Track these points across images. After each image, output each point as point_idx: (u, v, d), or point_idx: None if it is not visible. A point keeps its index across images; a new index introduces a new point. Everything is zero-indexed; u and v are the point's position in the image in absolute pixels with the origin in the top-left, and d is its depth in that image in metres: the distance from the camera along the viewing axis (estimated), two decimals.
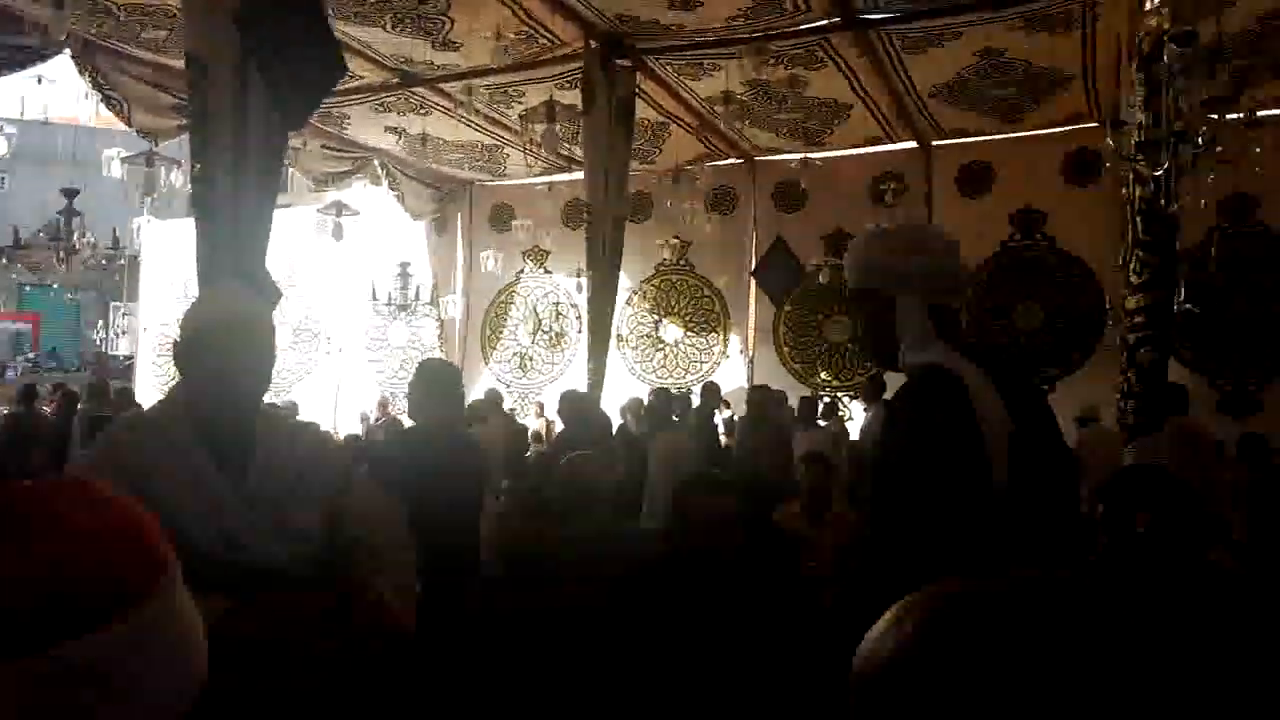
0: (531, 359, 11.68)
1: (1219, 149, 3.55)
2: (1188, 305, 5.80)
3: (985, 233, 9.82)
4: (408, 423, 4.05)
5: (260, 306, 2.11)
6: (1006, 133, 9.47)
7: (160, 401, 2.06)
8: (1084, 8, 6.53)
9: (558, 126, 7.86)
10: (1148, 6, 3.85)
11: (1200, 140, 3.49)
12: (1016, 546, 1.63)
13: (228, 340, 1.84)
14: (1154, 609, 1.70)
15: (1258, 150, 4.01)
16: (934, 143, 9.87)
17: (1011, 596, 0.57)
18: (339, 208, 9.42)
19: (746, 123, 9.06)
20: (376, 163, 9.77)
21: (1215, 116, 3.50)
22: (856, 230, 10.18)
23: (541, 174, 10.71)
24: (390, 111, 8.52)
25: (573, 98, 7.50)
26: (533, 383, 11.56)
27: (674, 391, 8.03)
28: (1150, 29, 3.86)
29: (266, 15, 3.53)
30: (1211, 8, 5.29)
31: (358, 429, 9.48)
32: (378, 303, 11.15)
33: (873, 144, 9.84)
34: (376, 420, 9.92)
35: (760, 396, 6.84)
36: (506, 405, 8.98)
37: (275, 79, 3.56)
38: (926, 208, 10.07)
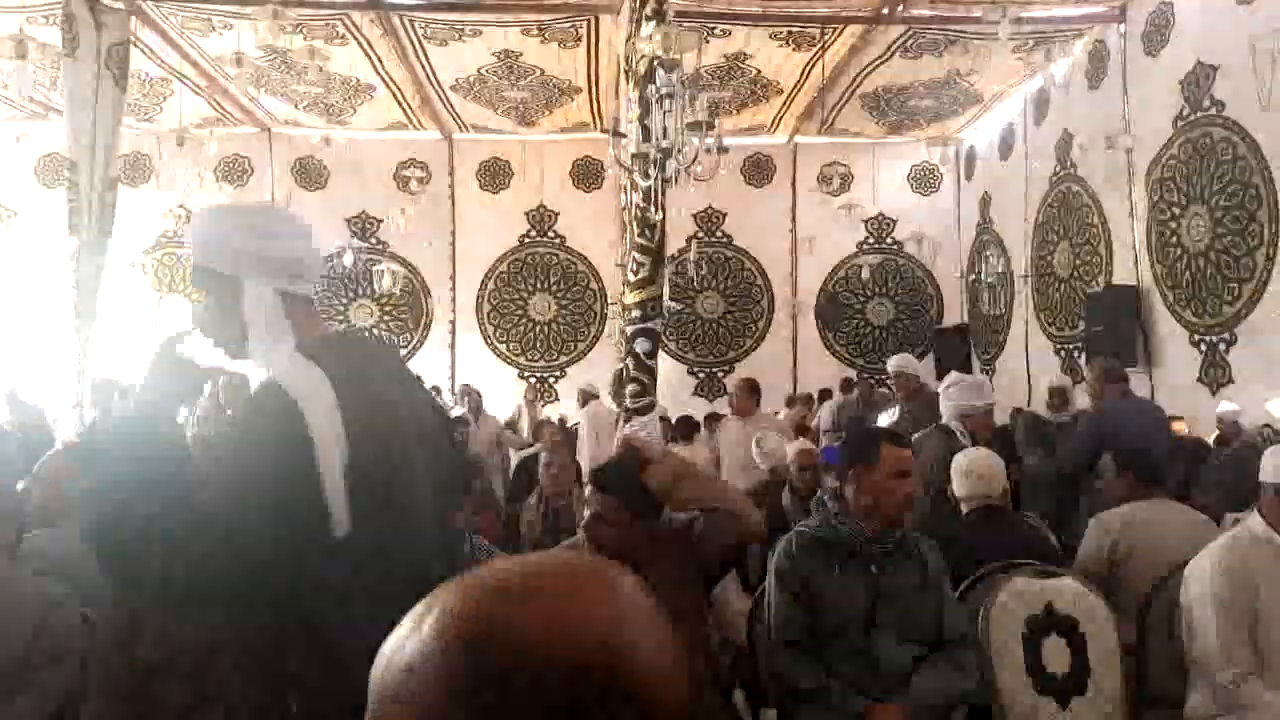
0: None
1: (698, 168, 4.16)
2: (672, 302, 6.70)
3: (504, 227, 10.45)
4: None
5: None
6: (522, 134, 10.09)
7: None
8: (589, 26, 7.19)
9: (31, 66, 6.76)
10: (642, 34, 4.37)
11: (682, 157, 4.07)
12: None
13: None
14: None
15: (723, 172, 4.74)
16: (455, 136, 10.19)
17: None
18: None
19: (263, 90, 8.56)
20: None
21: (695, 140, 4.10)
22: (381, 214, 10.27)
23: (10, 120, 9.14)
24: None
25: (52, 36, 6.51)
26: None
27: None
28: (644, 54, 4.37)
29: None
30: (693, 43, 6.15)
31: None
32: None
33: (397, 129, 9.87)
34: None
35: None
36: None
37: None
38: (450, 198, 10.38)
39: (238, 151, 10.15)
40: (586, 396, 7.34)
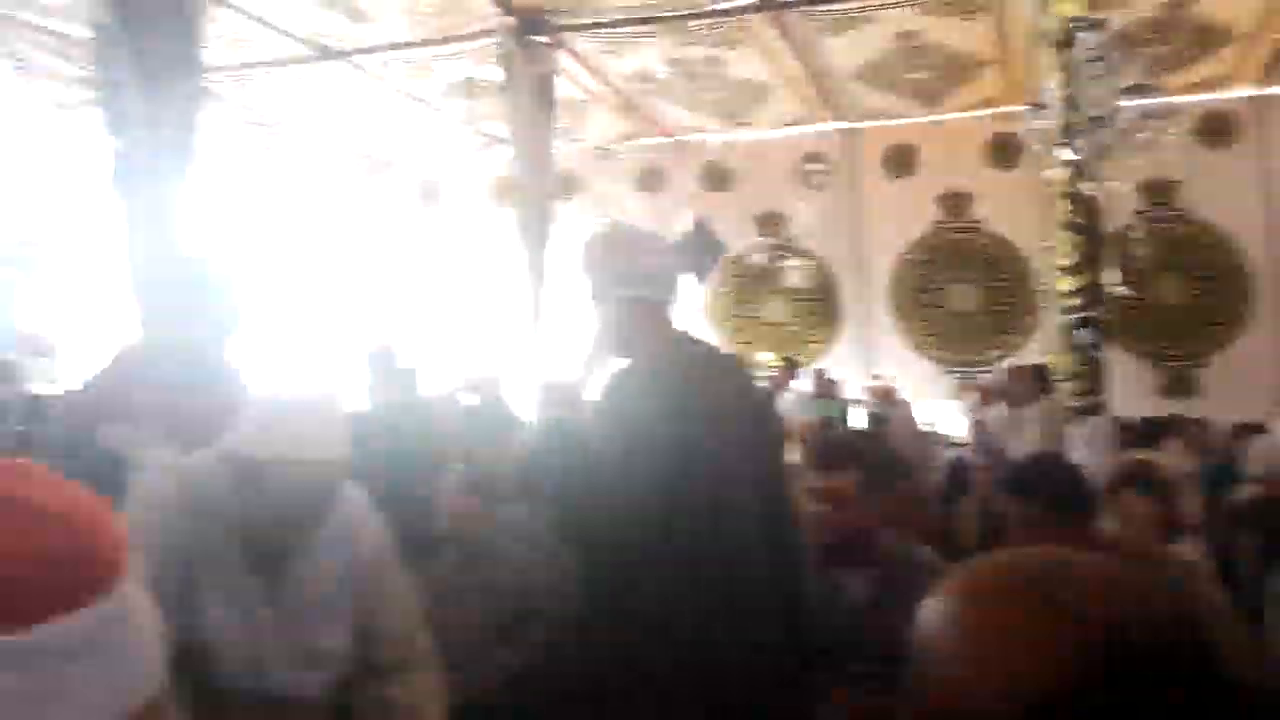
0: None
1: (1139, 134, 3.68)
2: (1121, 288, 5.82)
3: (913, 214, 10.03)
4: None
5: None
6: (928, 116, 9.64)
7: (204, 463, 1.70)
8: None
9: (470, 103, 7.77)
10: None
11: (1117, 124, 3.61)
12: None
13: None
14: None
15: (1173, 135, 4.15)
16: (857, 125, 10.00)
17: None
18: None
19: (670, 102, 9.05)
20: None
21: (1130, 103, 3.62)
22: (787, 210, 10.39)
23: (470, 151, 10.55)
24: (306, 85, 8.31)
25: (495, 73, 7.42)
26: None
27: None
28: (1061, 15, 3.96)
29: None
30: None
31: None
32: None
33: (797, 124, 9.93)
34: None
35: None
36: None
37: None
38: (854, 188, 10.22)
39: (651, 161, 10.79)
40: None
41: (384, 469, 2.92)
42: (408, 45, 7.40)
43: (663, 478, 1.70)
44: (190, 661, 1.56)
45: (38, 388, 8.01)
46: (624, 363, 1.94)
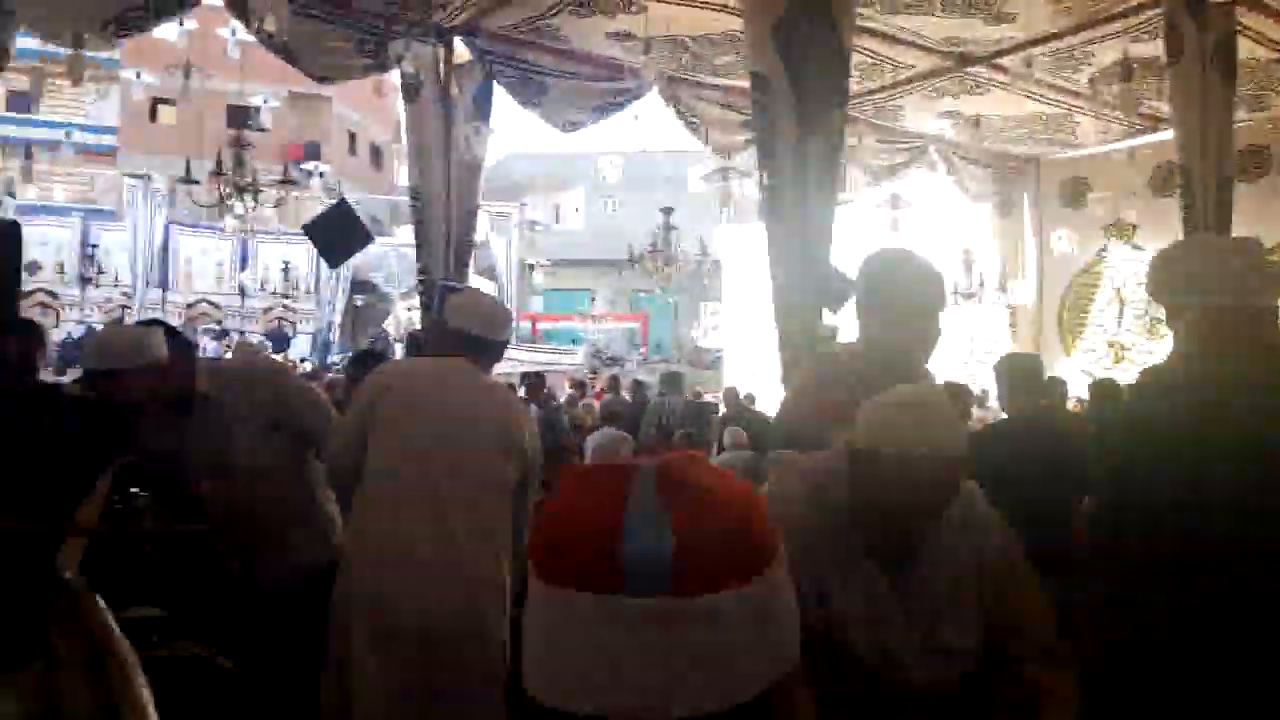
0: (1127, 348, 10.49)
1: None
2: None
3: None
4: None
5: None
6: None
7: (826, 460, 1.83)
8: None
9: (1132, 85, 7.00)
10: None
11: None
12: None
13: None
14: None
15: None
16: None
17: None
18: (894, 200, 9.48)
19: None
20: (932, 149, 9.63)
21: None
22: None
23: (1121, 139, 9.63)
24: (944, 96, 8.35)
25: (1151, 49, 6.62)
26: (1127, 375, 10.33)
27: None
28: None
29: (794, 29, 3.78)
30: None
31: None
32: (950, 292, 10.97)
33: None
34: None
35: None
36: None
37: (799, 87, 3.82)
38: None
39: None
40: None
41: (1015, 480, 2.83)
42: (1052, 37, 7.00)
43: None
44: (819, 655, 1.64)
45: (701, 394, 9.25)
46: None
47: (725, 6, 5.98)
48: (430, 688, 2.61)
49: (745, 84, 5.16)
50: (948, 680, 1.71)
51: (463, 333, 2.97)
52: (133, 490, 3.11)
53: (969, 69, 7.66)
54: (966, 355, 11.17)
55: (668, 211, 10.90)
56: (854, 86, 7.27)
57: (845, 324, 3.13)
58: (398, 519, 2.67)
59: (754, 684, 0.67)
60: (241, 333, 18.87)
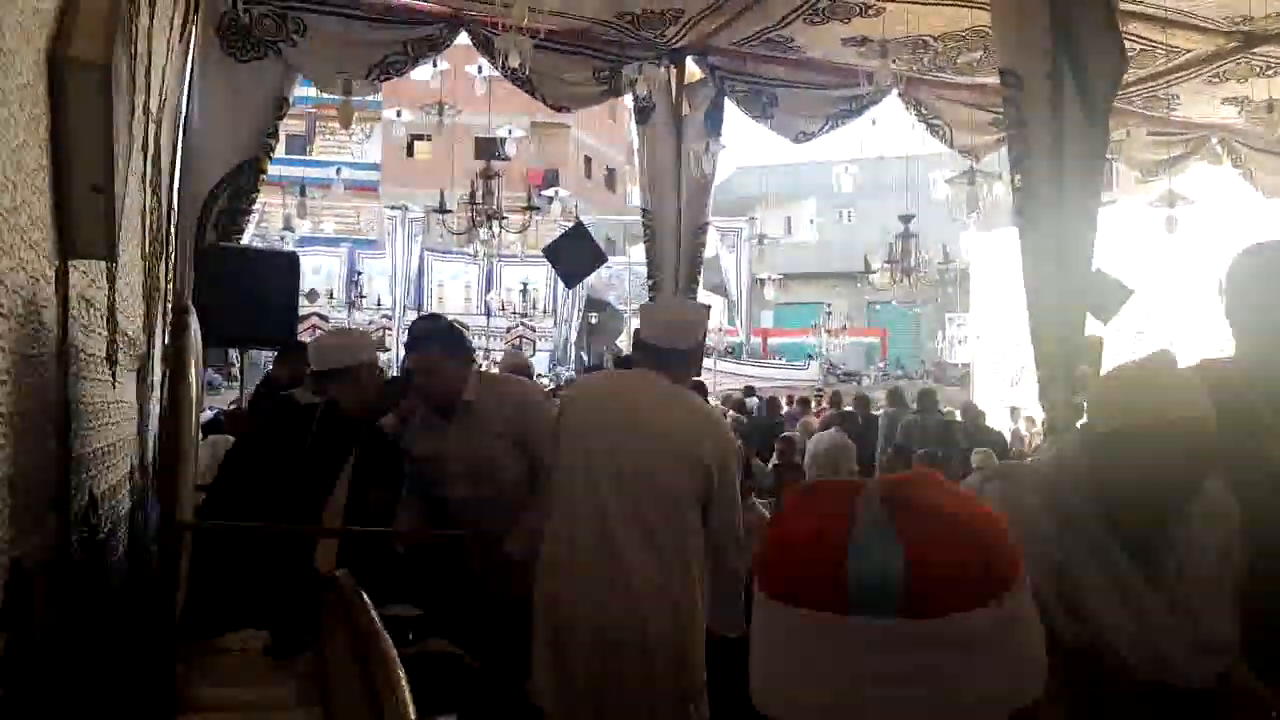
0: None
1: None
2: None
3: None
4: None
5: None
6: None
7: (1049, 465, 1.77)
8: None
9: None
10: None
11: None
12: None
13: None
14: None
15: None
16: None
17: None
18: (1171, 198, 8.62)
19: None
20: (1214, 140, 8.67)
21: None
22: None
23: None
24: (1227, 81, 7.50)
25: None
26: None
27: None
28: None
29: (1051, 18, 3.52)
30: None
31: None
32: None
33: None
34: None
35: None
36: None
37: (1077, 80, 3.53)
38: None
39: None
40: None
41: None
42: None
43: None
44: (1078, 665, 1.57)
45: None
46: None
47: (972, 2, 5.67)
48: (598, 694, 2.67)
49: (993, 81, 4.86)
50: (1207, 675, 1.61)
51: (644, 343, 2.98)
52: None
53: (1256, 49, 6.84)
54: None
55: (907, 219, 10.49)
56: None
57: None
58: (572, 530, 2.76)
59: (991, 713, 0.66)
60: (486, 350, 20.03)
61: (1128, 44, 6.42)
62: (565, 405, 2.99)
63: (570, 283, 10.41)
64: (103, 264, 1.86)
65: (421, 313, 20.90)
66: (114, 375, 2.10)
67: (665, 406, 2.86)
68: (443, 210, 11.91)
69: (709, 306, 6.06)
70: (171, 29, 3.28)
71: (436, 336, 3.29)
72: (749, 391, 14.11)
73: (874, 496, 0.67)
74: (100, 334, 1.93)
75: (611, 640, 2.68)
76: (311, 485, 3.03)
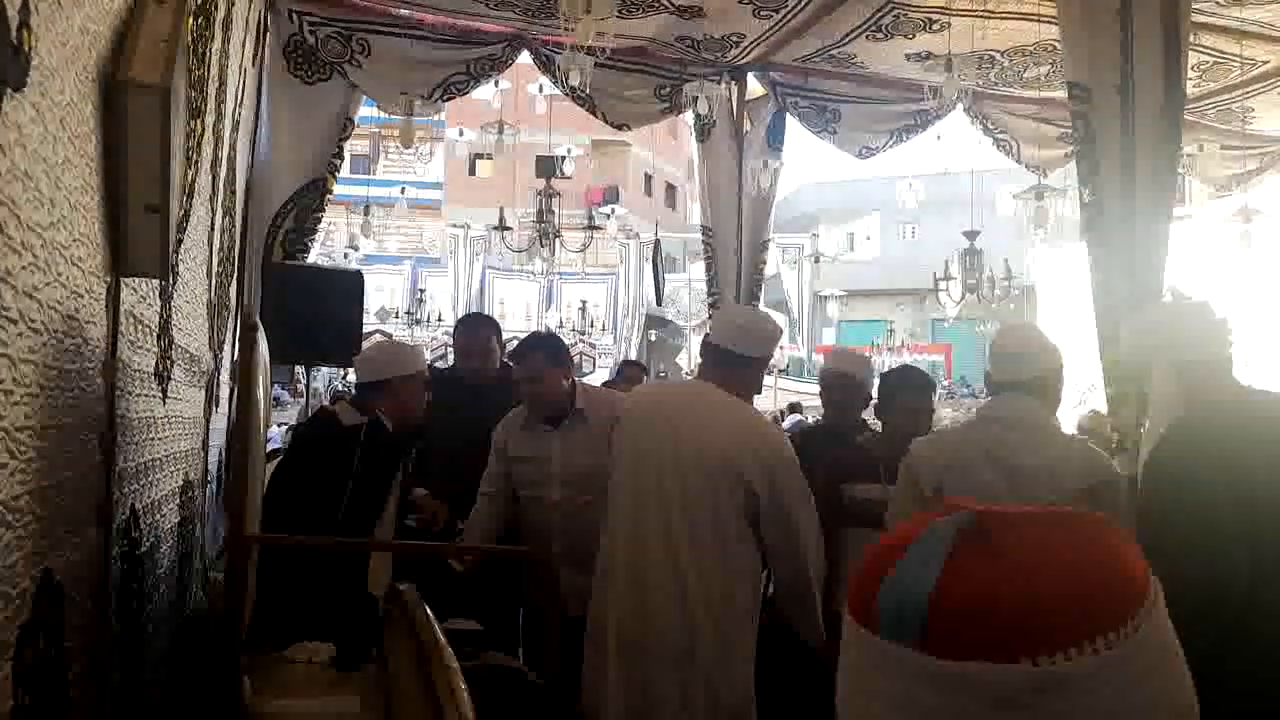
0: None
1: None
2: None
3: None
4: None
5: None
6: None
7: None
8: None
9: None
10: None
11: None
12: None
13: None
14: None
15: None
16: None
17: None
18: (1245, 212, 8.37)
19: None
20: None
21: None
22: None
23: None
24: None
25: None
26: None
27: None
28: None
29: (1119, 32, 3.46)
30: None
31: None
32: None
33: None
34: None
35: None
36: None
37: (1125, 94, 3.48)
38: None
39: None
40: None
41: None
42: None
43: None
44: None
45: None
46: None
47: (1040, 16, 5.58)
48: (648, 710, 2.70)
49: (1061, 95, 4.76)
50: None
51: (715, 347, 2.96)
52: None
53: None
54: None
55: (972, 235, 10.31)
56: (1192, 89, 6.52)
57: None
58: (621, 547, 2.80)
59: None
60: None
61: (1201, 57, 6.28)
62: (622, 421, 3.00)
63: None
64: (155, 282, 1.90)
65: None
66: (164, 391, 2.14)
67: (711, 422, 2.84)
68: (503, 228, 12.04)
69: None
70: (244, 53, 3.37)
71: (539, 347, 3.38)
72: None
73: (950, 525, 0.65)
74: (150, 350, 1.97)
75: (658, 658, 2.70)
76: (362, 507, 3.06)
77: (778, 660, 3.00)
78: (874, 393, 3.83)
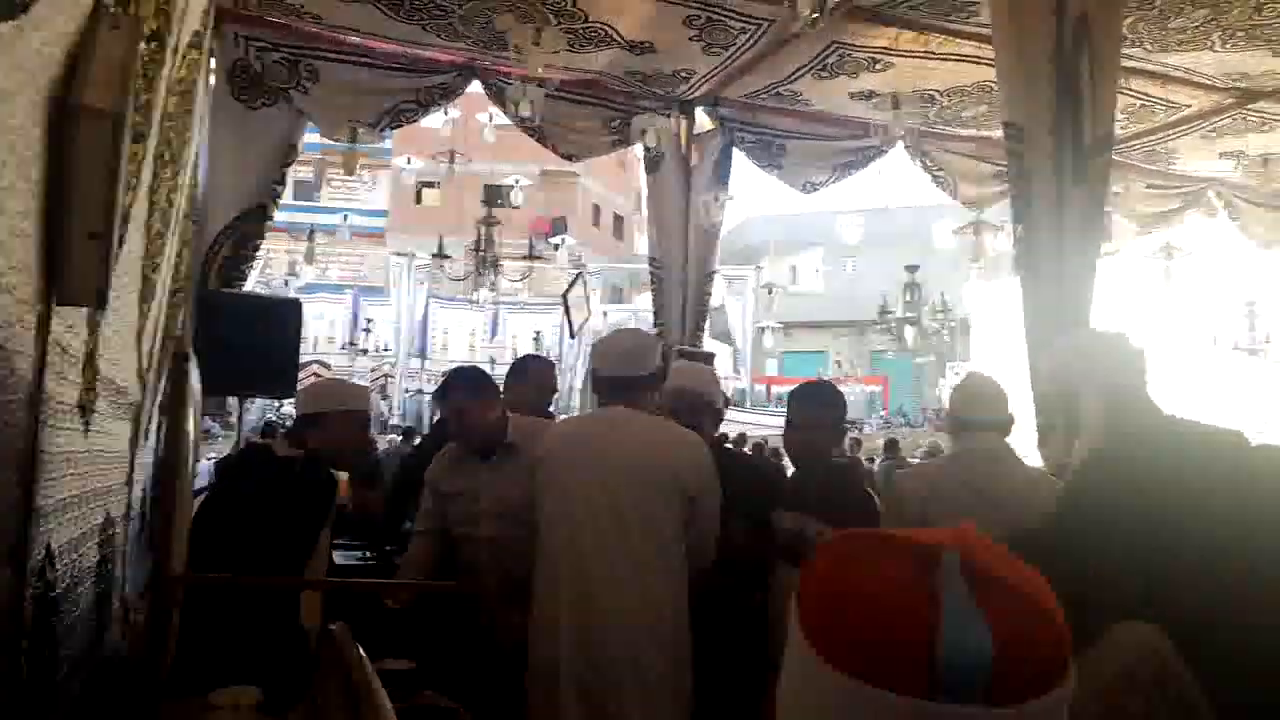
0: None
1: None
2: None
3: None
4: None
5: None
6: None
7: None
8: None
9: None
10: None
11: None
12: None
13: None
14: None
15: None
16: None
17: None
18: (1168, 249, 8.67)
19: None
20: (1211, 193, 8.72)
21: None
22: None
23: None
24: (1224, 135, 7.56)
25: None
26: None
27: None
28: None
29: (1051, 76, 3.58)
30: None
31: None
32: (1230, 348, 9.90)
33: None
34: None
35: None
36: None
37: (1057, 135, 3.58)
38: None
39: None
40: None
41: None
42: None
43: None
44: None
45: None
46: None
47: (979, 59, 5.74)
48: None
49: (998, 134, 4.88)
50: None
51: (610, 378, 3.00)
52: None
53: (1252, 105, 6.90)
54: (1250, 416, 9.94)
55: (912, 269, 10.53)
56: (1120, 131, 6.74)
57: None
58: (557, 575, 2.80)
59: None
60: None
61: (1129, 100, 6.50)
62: (544, 461, 2.97)
63: (573, 332, 10.43)
64: (83, 311, 1.83)
65: (426, 358, 20.93)
66: (87, 424, 2.07)
67: (644, 438, 2.88)
68: (441, 256, 11.95)
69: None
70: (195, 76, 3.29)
71: (461, 381, 3.32)
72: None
73: (954, 567, 0.64)
74: (74, 381, 1.90)
75: (602, 686, 2.68)
76: (293, 543, 2.98)
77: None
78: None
